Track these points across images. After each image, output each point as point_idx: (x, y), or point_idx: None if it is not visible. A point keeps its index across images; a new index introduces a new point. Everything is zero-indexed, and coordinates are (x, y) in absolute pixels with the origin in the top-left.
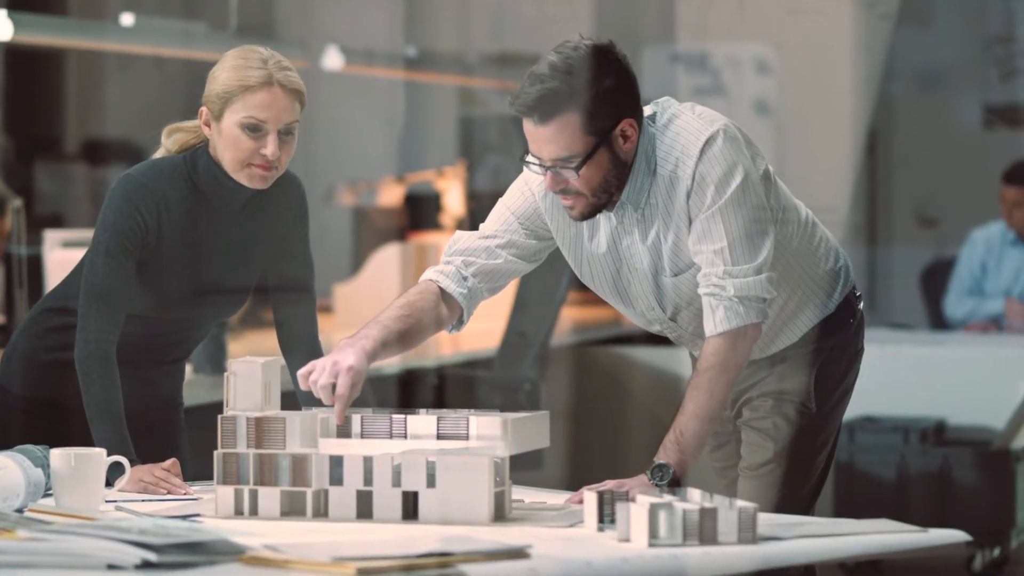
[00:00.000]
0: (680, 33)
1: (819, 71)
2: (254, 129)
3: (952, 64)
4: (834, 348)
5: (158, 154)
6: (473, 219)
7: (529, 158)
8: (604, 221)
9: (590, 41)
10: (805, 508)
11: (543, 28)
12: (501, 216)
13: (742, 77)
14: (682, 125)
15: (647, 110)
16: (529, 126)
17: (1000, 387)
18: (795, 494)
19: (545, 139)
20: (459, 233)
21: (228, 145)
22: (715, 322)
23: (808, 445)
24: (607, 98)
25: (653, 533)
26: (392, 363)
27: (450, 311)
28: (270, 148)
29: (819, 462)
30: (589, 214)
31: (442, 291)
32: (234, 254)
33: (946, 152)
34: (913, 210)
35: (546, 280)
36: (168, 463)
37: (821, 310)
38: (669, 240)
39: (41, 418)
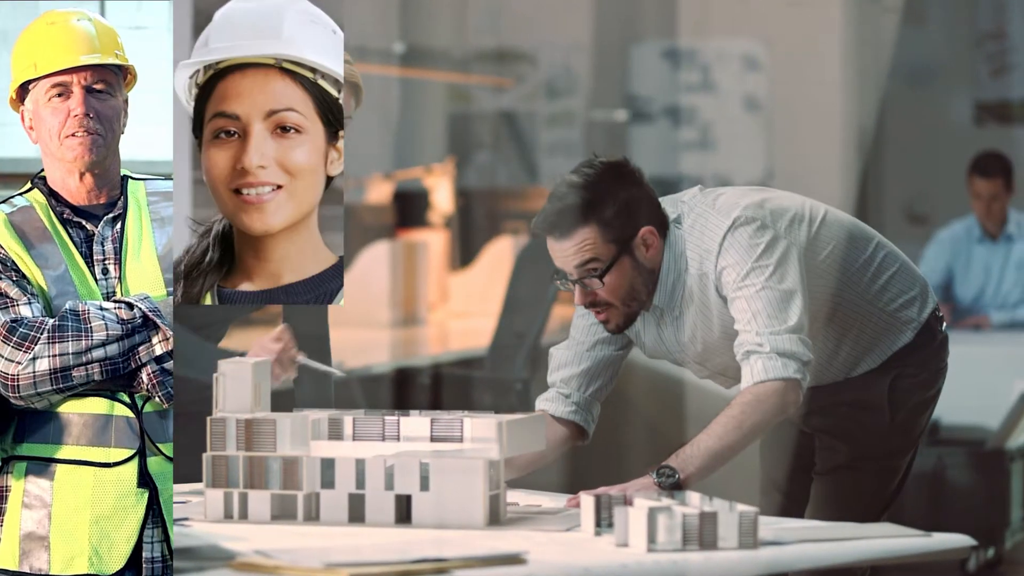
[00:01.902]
0: (680, 29)
1: (810, 67)
2: None
3: (943, 61)
4: (910, 365)
5: None
6: (461, 216)
7: (557, 276)
8: (643, 319)
9: (605, 159)
10: (878, 513)
11: (539, 24)
12: (579, 317)
13: (731, 73)
14: (705, 224)
15: (671, 211)
16: (552, 243)
17: (994, 386)
18: (870, 498)
19: (568, 253)
20: (552, 351)
21: None
22: (752, 374)
23: (882, 449)
24: (625, 208)
25: (652, 538)
26: (383, 363)
27: (569, 429)
28: None
29: (898, 466)
30: (624, 324)
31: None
32: None
33: (937, 149)
34: (903, 207)
35: (537, 279)
36: (277, 330)
37: (898, 341)
38: (715, 330)
39: None
